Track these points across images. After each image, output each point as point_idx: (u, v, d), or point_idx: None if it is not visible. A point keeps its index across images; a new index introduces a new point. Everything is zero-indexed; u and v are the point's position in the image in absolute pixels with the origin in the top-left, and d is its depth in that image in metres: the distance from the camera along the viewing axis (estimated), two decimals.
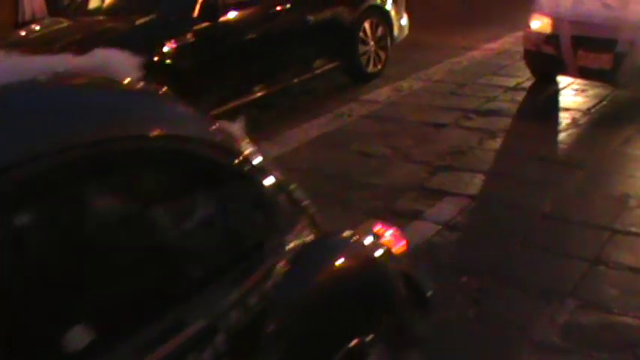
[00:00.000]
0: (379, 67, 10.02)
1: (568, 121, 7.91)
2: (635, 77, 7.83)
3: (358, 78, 9.78)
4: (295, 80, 8.90)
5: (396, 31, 10.30)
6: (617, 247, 5.24)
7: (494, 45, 11.07)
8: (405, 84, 9.60)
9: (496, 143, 7.49)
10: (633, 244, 5.32)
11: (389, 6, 10.14)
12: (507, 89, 9.01)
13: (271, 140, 7.66)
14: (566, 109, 8.26)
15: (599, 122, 7.91)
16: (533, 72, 9.16)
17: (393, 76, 9.86)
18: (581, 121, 7.91)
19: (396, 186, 6.47)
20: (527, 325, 4.43)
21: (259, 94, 8.37)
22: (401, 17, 10.45)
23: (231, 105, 7.96)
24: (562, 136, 7.57)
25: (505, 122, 8.11)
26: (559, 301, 4.62)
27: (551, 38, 8.39)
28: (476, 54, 10.85)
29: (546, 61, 8.66)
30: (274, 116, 8.45)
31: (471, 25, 12.56)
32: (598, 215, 5.75)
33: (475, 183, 6.56)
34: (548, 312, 4.52)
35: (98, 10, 8.46)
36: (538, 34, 8.58)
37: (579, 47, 8.12)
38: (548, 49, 8.44)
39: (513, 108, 8.58)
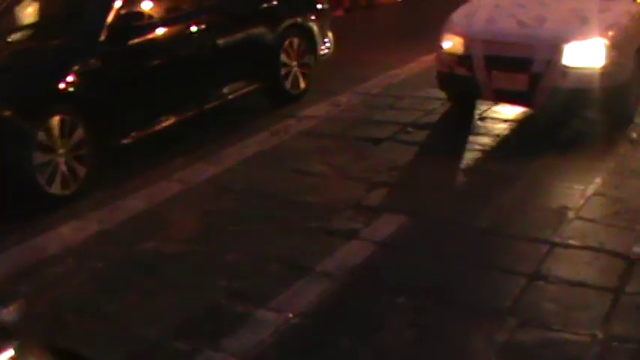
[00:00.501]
0: (303, 87, 9.64)
1: (505, 132, 7.89)
2: (553, 98, 7.48)
3: (281, 100, 9.42)
4: (210, 105, 8.41)
5: (320, 49, 9.95)
6: (556, 261, 5.18)
7: (430, 57, 10.97)
8: (342, 99, 9.50)
9: (434, 157, 7.44)
10: (572, 257, 5.27)
11: (312, 23, 9.81)
12: (445, 101, 8.91)
13: (206, 160, 7.51)
14: (504, 120, 8.23)
15: (535, 133, 7.90)
16: (448, 96, 8.76)
17: (330, 92, 9.73)
18: (518, 132, 7.92)
19: (332, 204, 6.33)
20: (466, 346, 4.33)
21: (172, 122, 7.91)
22: (325, 34, 10.07)
23: (144, 132, 7.62)
24: (499, 147, 7.55)
25: (443, 135, 8.08)
26: (499, 319, 4.53)
27: (463, 59, 7.90)
28: (413, 66, 10.77)
29: (460, 83, 8.15)
30: (209, 134, 8.28)
31: (407, 40, 12.51)
32: (536, 228, 5.69)
33: (413, 199, 6.45)
34: (487, 331, 4.43)
35: (19, 31, 8.26)
36: (450, 55, 8.10)
37: (493, 68, 7.68)
38: (461, 71, 7.95)
39: (451, 120, 8.55)
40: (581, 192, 6.26)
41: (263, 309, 4.79)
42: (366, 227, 5.84)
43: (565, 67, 7.35)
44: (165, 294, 5.08)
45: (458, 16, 8.44)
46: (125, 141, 7.41)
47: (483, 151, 7.45)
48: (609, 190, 6.37)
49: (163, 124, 7.83)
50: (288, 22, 9.41)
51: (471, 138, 7.82)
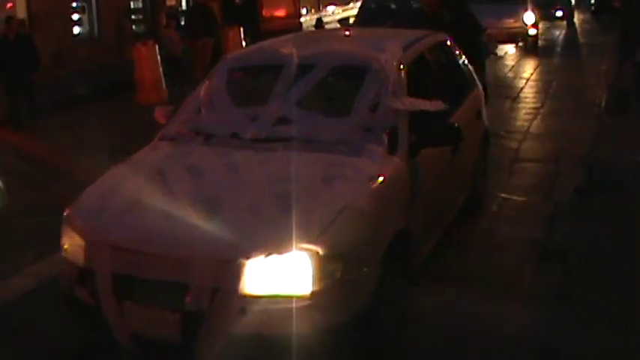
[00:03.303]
0: None
1: None
2: (227, 352, 4.20)
3: None
4: None
5: None
6: None
7: None
8: None
9: None
10: None
11: None
12: None
13: None
14: None
15: None
16: None
17: None
18: None
19: None
20: None
21: None
22: None
23: None
24: None
25: None
26: None
27: (85, 275, 4.54)
28: None
29: (84, 315, 4.69)
30: None
31: None
32: None
33: None
34: None
35: None
36: (69, 266, 4.72)
37: (126, 297, 4.38)
38: (84, 294, 4.55)
39: None
40: None
41: None
42: None
43: (245, 298, 4.16)
44: None
45: (91, 192, 5.08)
46: None
47: None
48: None
49: None
50: None
51: None
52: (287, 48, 6.09)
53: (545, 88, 15.20)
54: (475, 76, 7.72)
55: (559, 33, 25.14)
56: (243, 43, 18.18)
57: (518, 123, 11.87)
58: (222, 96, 5.91)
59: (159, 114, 6.13)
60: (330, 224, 4.31)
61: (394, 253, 4.70)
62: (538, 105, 13.30)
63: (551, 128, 11.60)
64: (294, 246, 4.16)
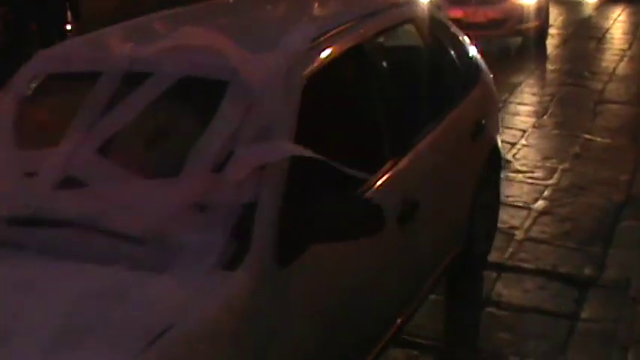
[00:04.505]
0: None
1: None
2: None
3: None
4: None
5: None
6: (507, 286, 4.94)
7: None
8: None
9: None
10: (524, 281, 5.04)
11: None
12: None
13: None
14: None
15: None
16: None
17: None
18: None
19: None
20: None
21: None
22: None
23: None
24: None
25: None
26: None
27: None
28: None
29: None
30: None
31: None
32: None
33: None
34: None
35: None
36: None
37: None
38: None
39: None
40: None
41: None
42: None
43: None
44: None
45: None
46: None
47: None
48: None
49: None
50: None
51: None
52: (118, 43, 3.36)
53: (633, 29, 14.64)
54: (482, 65, 5.06)
55: None
56: None
57: (604, 64, 11.50)
58: (5, 127, 3.22)
59: None
60: None
61: None
62: (625, 47, 12.83)
63: (638, 70, 11.19)
64: None
